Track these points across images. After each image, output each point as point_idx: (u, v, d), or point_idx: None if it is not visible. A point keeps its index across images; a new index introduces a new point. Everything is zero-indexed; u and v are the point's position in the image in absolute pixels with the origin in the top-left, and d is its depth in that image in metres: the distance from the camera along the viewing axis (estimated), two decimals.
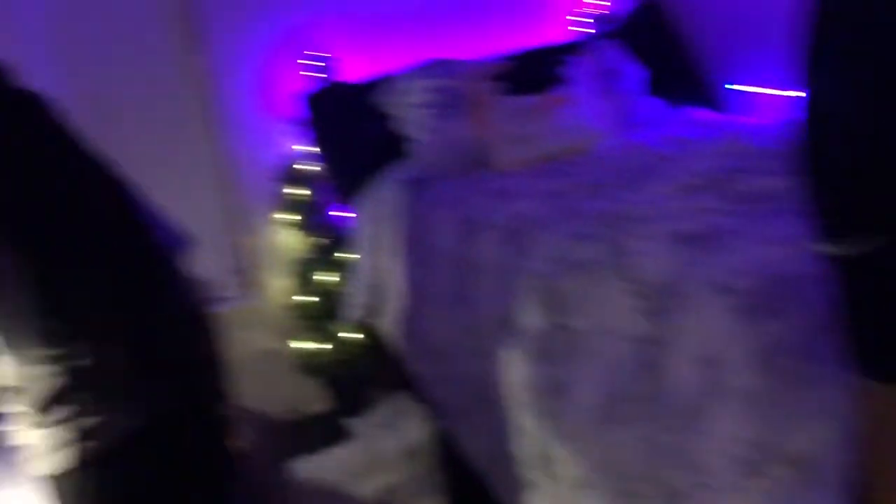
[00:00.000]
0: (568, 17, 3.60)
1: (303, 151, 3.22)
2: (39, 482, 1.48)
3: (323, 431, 3.15)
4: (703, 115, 2.77)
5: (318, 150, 3.12)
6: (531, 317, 1.71)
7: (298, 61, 3.24)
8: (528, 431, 1.77)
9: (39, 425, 1.42)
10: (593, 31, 3.53)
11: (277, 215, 3.21)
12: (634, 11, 3.34)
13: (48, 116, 1.44)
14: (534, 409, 1.72)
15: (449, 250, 2.15)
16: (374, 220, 2.72)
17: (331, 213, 3.24)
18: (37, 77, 2.76)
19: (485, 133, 2.48)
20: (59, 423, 1.41)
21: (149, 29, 3.10)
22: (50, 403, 1.40)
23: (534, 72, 2.56)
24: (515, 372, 1.77)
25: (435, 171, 2.53)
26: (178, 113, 3.18)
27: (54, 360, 1.36)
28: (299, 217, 3.18)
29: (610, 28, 3.33)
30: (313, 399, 3.33)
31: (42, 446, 1.44)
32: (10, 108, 1.41)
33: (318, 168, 3.17)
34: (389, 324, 2.73)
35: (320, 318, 3.16)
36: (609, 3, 3.56)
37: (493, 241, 1.91)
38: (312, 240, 3.18)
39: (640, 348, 1.43)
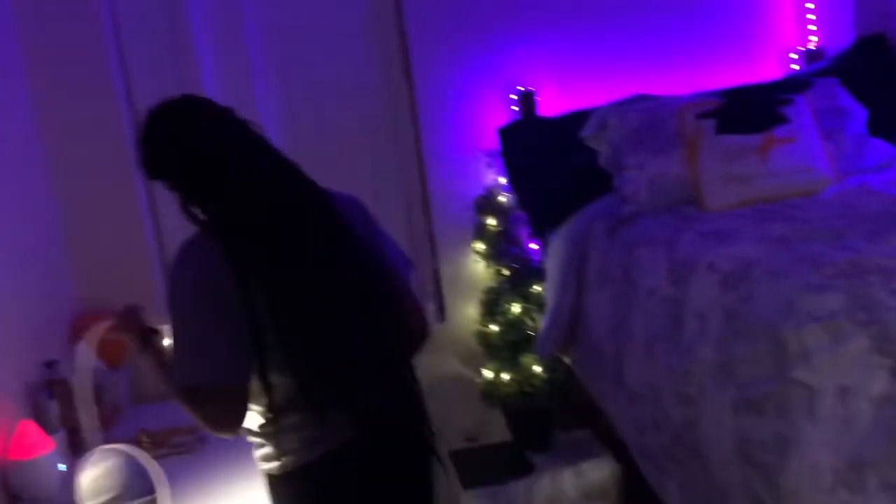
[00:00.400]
0: (778, 54, 3.47)
1: (498, 183, 3.27)
2: (264, 480, 1.58)
3: (503, 463, 3.15)
4: None
5: (511, 182, 3.16)
6: (754, 367, 1.63)
7: (501, 95, 3.31)
8: (740, 486, 1.68)
9: (267, 429, 1.51)
10: (801, 67, 3.38)
11: (471, 244, 3.27)
12: (853, 46, 3.16)
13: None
14: (748, 464, 1.63)
15: (657, 290, 2.10)
16: (570, 254, 2.70)
17: (523, 244, 3.26)
18: (263, 113, 2.98)
19: (696, 171, 2.40)
20: (285, 429, 1.50)
21: (365, 68, 3.30)
22: (281, 411, 1.48)
23: (749, 109, 2.46)
24: (732, 422, 1.69)
25: (640, 208, 2.48)
26: (387, 145, 3.35)
27: (287, 373, 1.44)
28: (492, 247, 3.22)
29: (824, 65, 3.17)
30: (494, 429, 3.34)
31: (267, 448, 1.53)
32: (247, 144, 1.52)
33: (512, 199, 3.20)
34: (581, 360, 2.69)
35: (507, 348, 3.17)
36: (817, 39, 3.40)
37: (711, 285, 1.84)
38: (503, 270, 3.20)
39: (884, 411, 1.32)
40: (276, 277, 1.44)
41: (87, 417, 2.65)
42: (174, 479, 2.30)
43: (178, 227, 3.12)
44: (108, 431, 2.74)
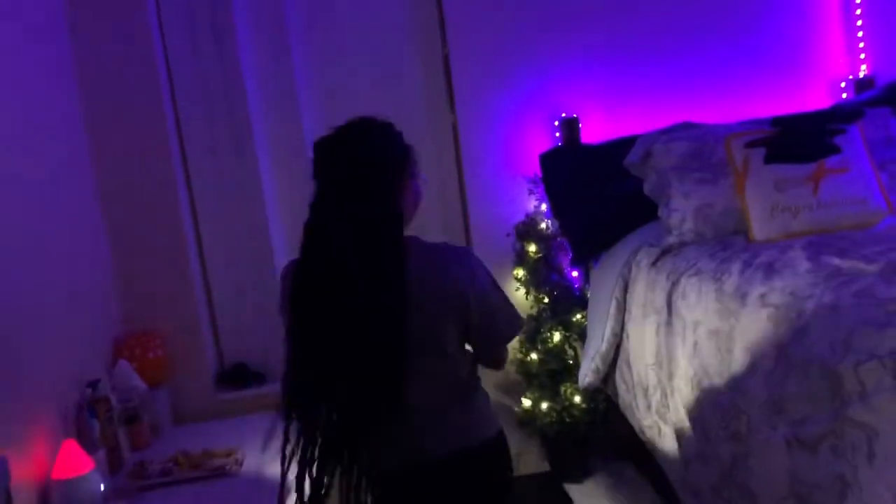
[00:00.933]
0: (827, 82, 3.43)
1: (539, 209, 3.25)
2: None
3: (540, 494, 3.10)
4: None
5: (553, 208, 3.13)
6: (808, 405, 1.58)
7: (544, 121, 3.30)
8: None
9: None
10: (851, 96, 3.33)
11: (512, 271, 3.24)
12: None
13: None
14: None
15: (704, 322, 2.05)
16: (612, 282, 2.66)
17: (564, 271, 3.23)
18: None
19: (744, 201, 2.35)
20: None
21: (407, 91, 3.31)
22: None
23: (799, 138, 2.41)
24: (784, 461, 1.63)
25: (686, 238, 2.43)
26: (429, 169, 3.32)
27: None
28: (532, 274, 3.19)
29: (875, 94, 3.12)
30: (532, 459, 3.29)
31: None
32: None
33: (553, 226, 3.18)
34: (626, 393, 2.64)
35: (546, 376, 3.13)
36: (867, 67, 3.35)
37: (762, 319, 1.79)
38: (544, 297, 3.17)
39: None
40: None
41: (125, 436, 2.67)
42: (212, 500, 2.31)
43: (219, 249, 3.18)
44: (146, 451, 2.75)
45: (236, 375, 3.21)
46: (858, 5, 3.34)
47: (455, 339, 1.74)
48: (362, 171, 1.69)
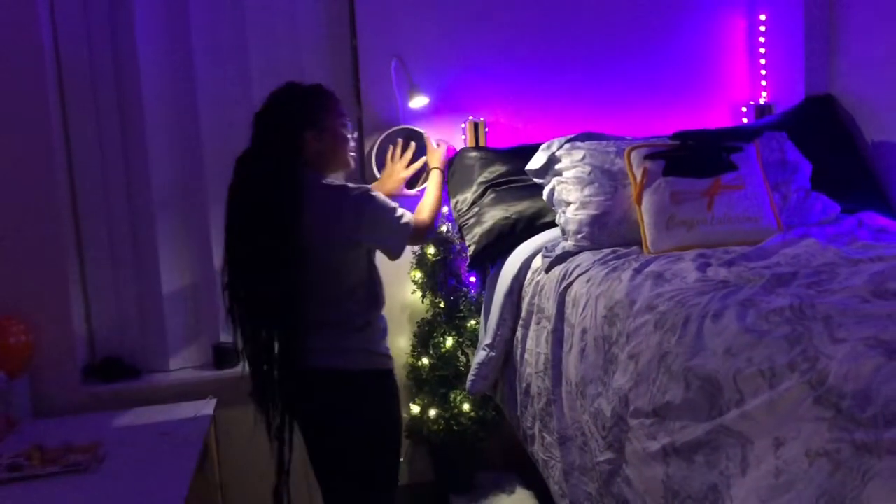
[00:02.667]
0: (729, 106, 3.50)
1: (440, 212, 3.17)
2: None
3: (424, 503, 3.01)
4: (877, 219, 2.55)
5: (455, 211, 3.06)
6: (687, 413, 1.54)
7: (453, 123, 3.25)
8: None
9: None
10: (751, 121, 3.41)
11: (409, 272, 3.16)
12: (801, 104, 3.19)
13: None
14: None
15: (591, 330, 2.01)
16: (507, 287, 2.60)
17: (462, 276, 3.16)
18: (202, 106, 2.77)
19: (640, 212, 2.34)
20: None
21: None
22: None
23: (698, 153, 2.41)
24: (661, 472, 1.59)
25: (582, 245, 2.40)
26: None
27: None
28: (429, 277, 3.11)
29: (773, 119, 3.19)
30: (417, 467, 3.20)
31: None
32: None
33: (454, 229, 3.11)
34: (510, 399, 2.59)
35: (437, 383, 3.05)
36: (767, 94, 3.43)
37: (647, 325, 1.75)
38: (440, 301, 3.09)
39: (820, 467, 1.24)
40: None
41: None
42: (66, 498, 2.13)
43: (100, 235, 2.99)
44: None
45: (107, 368, 3.01)
46: (763, 33, 3.42)
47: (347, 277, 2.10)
48: (258, 131, 2.09)
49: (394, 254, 2.18)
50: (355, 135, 2.32)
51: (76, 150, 2.98)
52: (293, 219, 1.99)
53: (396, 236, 2.13)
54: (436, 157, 2.80)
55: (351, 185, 2.10)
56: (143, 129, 3.01)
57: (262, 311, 2.04)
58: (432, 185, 2.61)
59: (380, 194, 2.12)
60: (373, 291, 2.17)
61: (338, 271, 2.08)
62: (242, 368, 2.12)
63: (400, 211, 2.15)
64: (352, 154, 2.25)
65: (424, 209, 2.40)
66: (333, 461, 2.15)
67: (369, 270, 2.18)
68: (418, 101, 3.15)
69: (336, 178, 2.21)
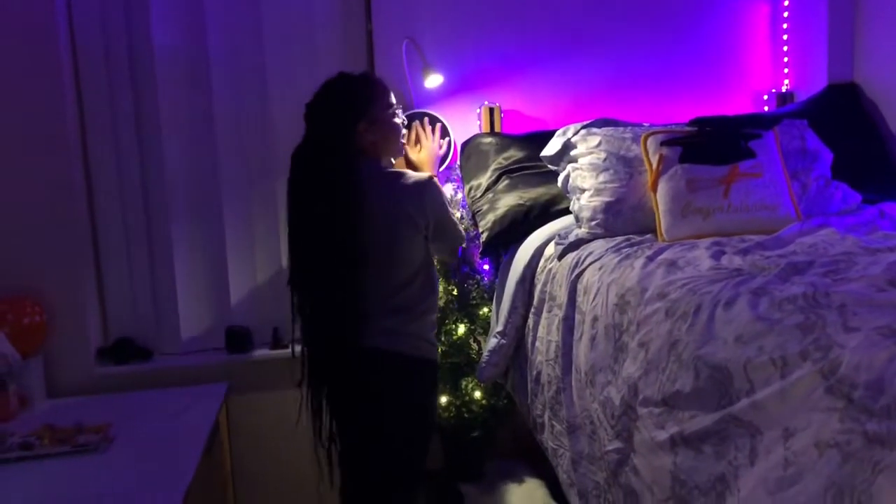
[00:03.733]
0: (750, 93, 3.44)
1: (455, 198, 3.15)
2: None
3: (432, 491, 2.99)
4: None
5: (468, 196, 3.04)
6: (696, 402, 1.51)
7: (467, 109, 3.22)
8: None
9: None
10: (772, 108, 3.35)
11: None
12: (823, 92, 3.13)
13: None
14: None
15: (603, 317, 1.98)
16: (519, 275, 2.57)
17: (475, 263, 3.14)
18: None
19: (656, 199, 2.30)
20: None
21: (330, 69, 3.17)
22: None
23: (716, 140, 2.36)
24: (668, 461, 1.56)
25: (596, 232, 2.37)
26: None
27: None
28: (442, 264, 3.08)
29: (794, 107, 3.13)
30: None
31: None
32: None
33: (467, 215, 3.09)
34: (521, 386, 2.56)
35: (448, 370, 3.03)
36: (789, 82, 3.37)
37: (660, 314, 1.72)
38: (452, 289, 3.07)
39: (830, 457, 1.20)
40: None
41: None
42: (75, 478, 2.14)
43: (114, 217, 3.00)
44: (10, 422, 2.55)
45: (120, 350, 3.03)
46: (786, 20, 3.36)
47: (408, 259, 2.18)
48: (311, 124, 2.16)
49: (451, 251, 2.36)
50: (405, 121, 2.37)
51: (91, 132, 2.99)
52: (357, 211, 2.06)
53: (455, 231, 2.27)
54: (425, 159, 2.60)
55: (409, 171, 2.19)
56: (157, 113, 3.01)
57: (327, 304, 2.13)
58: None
59: (437, 182, 2.22)
60: (430, 276, 2.27)
61: (401, 257, 2.16)
62: (293, 352, 2.27)
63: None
64: (403, 141, 2.34)
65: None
66: (368, 441, 2.21)
67: (426, 256, 2.25)
68: (433, 81, 3.12)
69: (389, 165, 2.32)
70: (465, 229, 3.08)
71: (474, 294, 3.05)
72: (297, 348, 2.26)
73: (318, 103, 2.15)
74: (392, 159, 2.41)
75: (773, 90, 3.40)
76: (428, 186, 2.16)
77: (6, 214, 2.78)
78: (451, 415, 2.99)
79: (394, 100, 2.28)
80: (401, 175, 2.17)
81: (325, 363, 2.20)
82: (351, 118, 2.13)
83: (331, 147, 2.10)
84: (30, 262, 2.81)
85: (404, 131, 2.33)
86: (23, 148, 2.78)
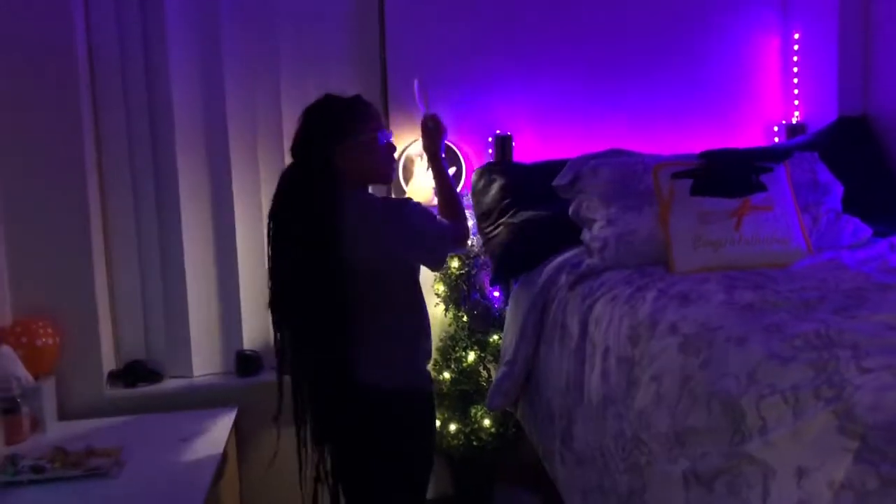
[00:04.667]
0: (761, 125, 3.46)
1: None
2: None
3: None
4: None
5: (478, 224, 3.05)
6: (708, 438, 1.52)
7: (479, 138, 3.25)
8: None
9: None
10: (782, 140, 3.37)
11: (432, 286, 3.15)
12: (834, 124, 3.14)
13: None
14: None
15: (615, 350, 1.98)
16: (531, 304, 2.58)
17: (485, 290, 3.15)
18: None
19: (667, 231, 2.31)
20: None
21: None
22: None
23: (727, 173, 2.38)
24: (681, 498, 1.56)
25: (606, 263, 2.38)
26: None
27: None
28: (453, 290, 3.10)
29: (804, 139, 3.15)
30: (436, 481, 3.18)
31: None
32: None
33: (478, 243, 3.10)
34: (530, 416, 2.56)
35: (457, 397, 3.04)
36: (800, 114, 3.39)
37: (671, 348, 1.73)
38: (462, 315, 3.08)
39: (843, 499, 1.21)
40: None
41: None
42: (86, 502, 2.14)
43: (127, 240, 3.02)
44: (22, 445, 2.57)
45: (130, 372, 3.04)
46: (796, 52, 3.38)
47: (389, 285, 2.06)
48: (293, 146, 2.09)
49: (434, 262, 2.17)
50: (394, 145, 2.23)
51: (106, 152, 3.02)
52: (330, 236, 1.95)
53: (435, 243, 2.10)
54: (430, 139, 2.33)
55: (388, 197, 2.09)
56: (172, 132, 3.05)
57: (305, 327, 2.01)
58: (440, 178, 2.32)
59: (415, 202, 2.10)
60: (415, 308, 2.13)
61: (379, 285, 2.03)
62: (279, 381, 2.09)
63: (438, 219, 2.14)
64: (391, 164, 2.20)
65: (450, 207, 2.26)
66: (356, 484, 2.09)
67: (411, 285, 2.13)
68: None
69: (379, 191, 2.20)
70: (475, 254, 3.09)
71: (482, 321, 3.05)
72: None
73: (300, 125, 2.08)
74: (379, 184, 2.27)
75: (784, 122, 3.42)
76: (399, 209, 2.05)
77: (23, 236, 2.81)
78: (461, 442, 2.99)
79: (377, 122, 2.13)
80: (373, 200, 2.09)
81: (308, 397, 2.07)
82: (329, 141, 2.03)
83: (308, 169, 2.02)
84: (44, 284, 2.84)
85: (385, 154, 2.15)
86: (41, 170, 2.82)
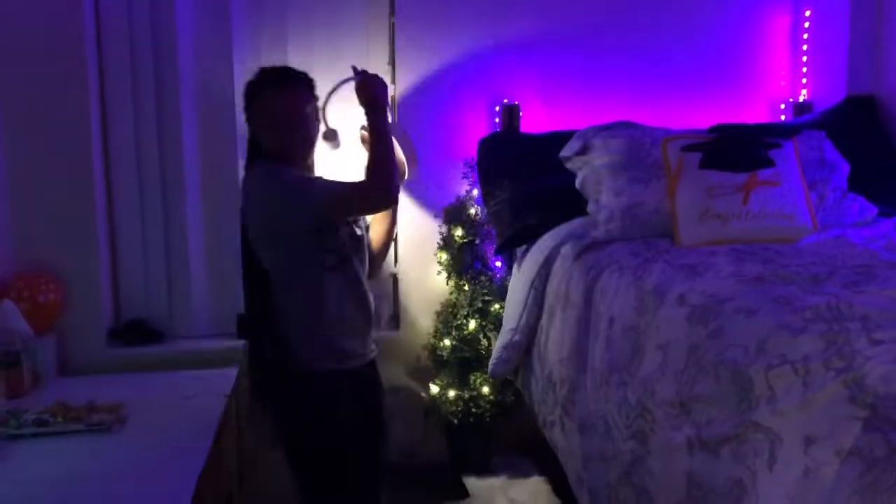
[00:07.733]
0: (768, 102, 3.45)
1: (471, 194, 3.17)
2: None
3: (438, 486, 3.02)
4: None
5: (484, 194, 3.05)
6: (715, 406, 1.53)
7: (486, 106, 3.23)
8: None
9: None
10: (789, 118, 3.37)
11: (435, 253, 3.15)
12: (842, 103, 3.14)
13: None
14: None
15: (620, 319, 2.00)
16: (534, 273, 2.59)
17: (488, 259, 3.16)
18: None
19: (674, 204, 2.32)
20: None
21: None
22: None
23: (736, 147, 2.38)
24: (685, 463, 1.58)
25: (613, 235, 2.38)
26: None
27: None
28: (456, 259, 3.11)
29: (812, 118, 3.14)
30: (434, 447, 3.21)
31: None
32: None
33: (483, 212, 3.10)
34: (533, 385, 2.58)
35: (457, 364, 3.05)
36: (807, 92, 3.38)
37: (679, 318, 1.74)
38: (464, 284, 3.09)
39: (852, 466, 1.22)
40: None
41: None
42: (89, 456, 2.15)
43: (130, 197, 3.01)
44: (23, 399, 2.56)
45: (132, 331, 3.04)
46: (806, 30, 3.37)
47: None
48: None
49: (334, 217, 1.99)
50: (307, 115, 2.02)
51: (111, 111, 2.99)
52: (242, 209, 2.08)
53: (327, 197, 1.95)
54: (362, 94, 2.02)
55: (285, 174, 1.97)
56: (177, 94, 3.02)
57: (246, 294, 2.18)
58: (374, 133, 1.97)
59: (315, 177, 2.03)
60: (323, 282, 2.00)
61: (278, 259, 2.01)
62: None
63: (341, 182, 2.01)
64: (291, 135, 1.99)
65: (374, 164, 1.93)
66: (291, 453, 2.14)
67: (315, 257, 1.99)
68: None
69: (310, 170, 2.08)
70: (479, 224, 3.09)
71: (486, 291, 3.06)
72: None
73: None
74: (301, 160, 2.05)
75: (791, 100, 3.42)
76: (279, 180, 1.96)
77: (27, 192, 2.80)
78: (459, 409, 3.01)
79: (280, 95, 1.97)
80: (261, 175, 2.03)
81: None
82: (247, 115, 2.05)
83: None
84: (47, 241, 2.83)
85: (285, 128, 1.97)
86: (44, 128, 2.79)
